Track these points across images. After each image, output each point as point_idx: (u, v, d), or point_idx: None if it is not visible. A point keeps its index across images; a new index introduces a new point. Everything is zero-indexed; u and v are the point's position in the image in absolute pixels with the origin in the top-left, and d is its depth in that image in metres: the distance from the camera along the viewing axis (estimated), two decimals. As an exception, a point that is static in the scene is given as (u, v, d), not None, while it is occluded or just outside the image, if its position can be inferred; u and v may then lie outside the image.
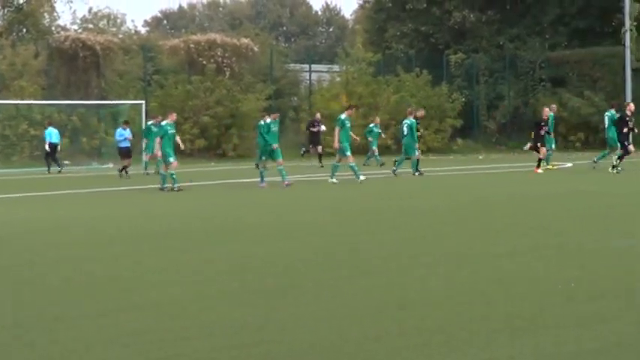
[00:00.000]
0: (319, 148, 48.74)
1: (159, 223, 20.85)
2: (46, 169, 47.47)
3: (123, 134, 43.05)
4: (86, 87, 61.29)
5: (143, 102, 55.75)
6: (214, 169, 48.87)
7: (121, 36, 69.76)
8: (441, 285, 11.71)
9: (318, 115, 51.99)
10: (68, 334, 9.33)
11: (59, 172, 46.47)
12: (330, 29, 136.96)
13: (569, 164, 44.24)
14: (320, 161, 47.95)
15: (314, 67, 74.18)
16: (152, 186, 33.42)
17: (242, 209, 24.48)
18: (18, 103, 56.38)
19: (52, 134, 48.09)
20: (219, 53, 63.52)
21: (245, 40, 66.65)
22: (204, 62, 62.48)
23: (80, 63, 61.00)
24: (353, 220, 20.56)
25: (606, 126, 39.61)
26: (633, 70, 64.15)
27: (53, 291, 11.90)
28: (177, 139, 33.30)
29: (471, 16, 71.72)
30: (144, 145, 43.85)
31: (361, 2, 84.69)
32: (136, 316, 9.93)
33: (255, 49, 66.29)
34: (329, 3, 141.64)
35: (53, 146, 47.79)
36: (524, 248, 15.00)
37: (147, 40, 72.66)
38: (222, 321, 9.84)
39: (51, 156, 47.64)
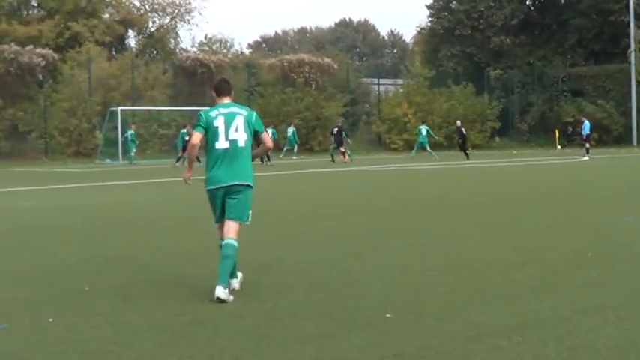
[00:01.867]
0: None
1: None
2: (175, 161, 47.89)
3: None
4: (203, 96, 61.64)
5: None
6: (304, 160, 49.00)
7: (230, 56, 69.95)
8: (480, 252, 11.67)
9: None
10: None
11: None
12: (395, 50, 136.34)
13: (586, 158, 43.76)
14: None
15: (381, 80, 74.34)
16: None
17: (323, 193, 24.46)
18: (150, 109, 56.96)
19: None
20: (306, 70, 63.67)
21: (327, 60, 66.77)
22: (295, 77, 62.69)
23: (198, 77, 61.47)
24: (407, 202, 20.47)
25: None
26: (637, 82, 63.81)
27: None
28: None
29: (507, 40, 71.18)
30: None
31: (419, 29, 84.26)
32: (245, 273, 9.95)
33: (335, 66, 66.38)
34: (393, 30, 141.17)
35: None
36: (545, 224, 14.91)
37: (250, 59, 72.90)
38: (304, 280, 9.84)
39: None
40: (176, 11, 77.03)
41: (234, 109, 9.16)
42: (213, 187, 8.98)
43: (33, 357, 6.75)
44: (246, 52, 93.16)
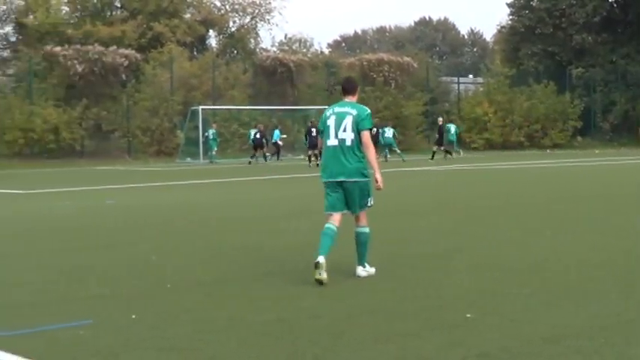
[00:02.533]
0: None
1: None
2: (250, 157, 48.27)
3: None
4: (282, 95, 61.94)
5: (327, 107, 56.50)
6: (382, 160, 48.89)
7: (309, 55, 69.95)
8: (558, 253, 11.54)
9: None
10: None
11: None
12: (474, 49, 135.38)
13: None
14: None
15: (461, 79, 74.07)
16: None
17: (403, 192, 24.41)
18: (230, 108, 57.35)
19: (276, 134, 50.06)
20: (386, 69, 63.57)
21: (407, 59, 66.60)
22: (375, 76, 62.63)
23: (278, 77, 61.70)
24: (483, 201, 20.28)
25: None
26: None
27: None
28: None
29: (589, 38, 70.13)
30: None
31: (499, 27, 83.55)
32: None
33: (415, 65, 66.17)
34: (473, 28, 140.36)
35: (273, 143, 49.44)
36: (627, 225, 14.67)
37: (330, 58, 72.88)
38: (385, 279, 9.81)
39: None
40: (256, 11, 77.43)
41: (347, 109, 9.93)
42: (325, 180, 9.91)
43: (117, 353, 6.86)
44: (326, 51, 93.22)
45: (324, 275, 9.32)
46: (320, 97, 61.30)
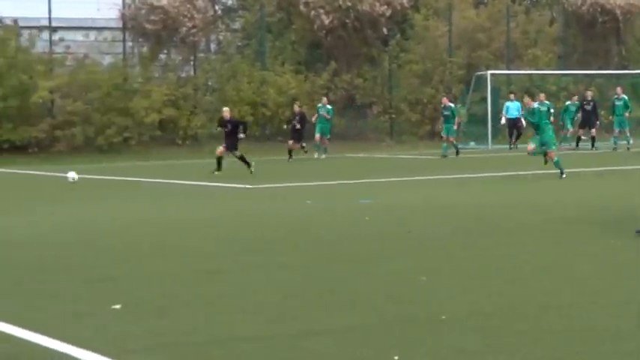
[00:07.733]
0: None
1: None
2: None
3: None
4: (605, 55, 60.93)
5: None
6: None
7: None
8: None
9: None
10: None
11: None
12: None
13: None
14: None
15: None
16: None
17: None
18: (532, 74, 56.84)
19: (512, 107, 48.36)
20: None
21: None
22: None
23: (598, 29, 60.59)
24: None
25: None
26: None
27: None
28: None
29: None
30: None
31: None
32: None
33: None
34: None
35: (511, 122, 47.90)
36: None
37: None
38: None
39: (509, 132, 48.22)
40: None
41: None
42: None
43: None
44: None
45: None
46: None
